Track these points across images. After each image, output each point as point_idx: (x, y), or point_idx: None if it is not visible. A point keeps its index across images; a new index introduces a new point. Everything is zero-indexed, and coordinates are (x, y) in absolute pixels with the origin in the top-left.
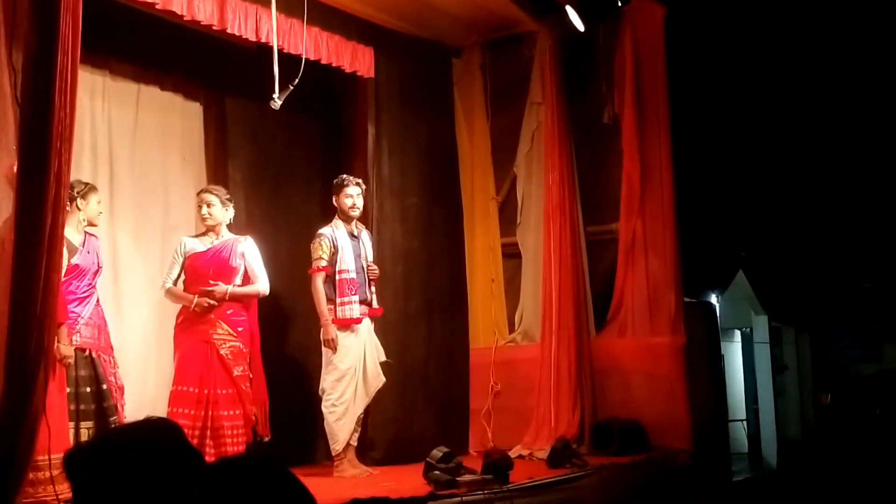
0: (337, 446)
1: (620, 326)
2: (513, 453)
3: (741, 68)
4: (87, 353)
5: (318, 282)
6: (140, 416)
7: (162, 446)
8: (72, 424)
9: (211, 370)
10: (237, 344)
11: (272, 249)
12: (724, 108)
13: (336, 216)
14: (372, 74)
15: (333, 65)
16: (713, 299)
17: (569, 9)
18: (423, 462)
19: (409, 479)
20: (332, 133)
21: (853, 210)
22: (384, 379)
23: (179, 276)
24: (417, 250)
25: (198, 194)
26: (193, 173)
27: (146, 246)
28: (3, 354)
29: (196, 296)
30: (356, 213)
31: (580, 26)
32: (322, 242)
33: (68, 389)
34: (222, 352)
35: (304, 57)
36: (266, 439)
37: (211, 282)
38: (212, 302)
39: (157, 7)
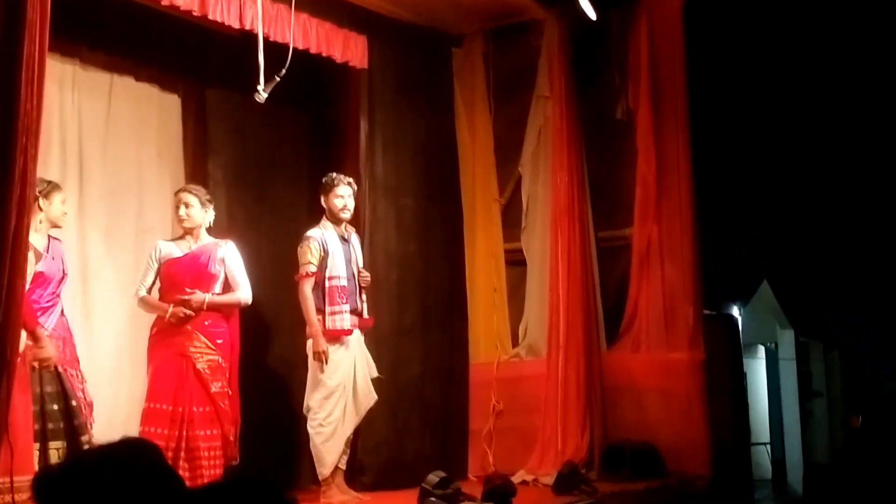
0: (324, 470)
1: (634, 341)
2: (516, 478)
3: (763, 58)
4: (54, 366)
5: (307, 289)
6: (111, 436)
7: (140, 469)
8: (37, 445)
9: (186, 386)
10: (215, 357)
11: (255, 254)
12: (746, 101)
13: (324, 217)
14: (365, 65)
15: (323, 54)
16: (735, 312)
17: None
18: (418, 488)
19: None
20: (322, 128)
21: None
22: (376, 396)
23: (154, 283)
24: (413, 256)
25: (175, 194)
26: (170, 171)
27: (118, 250)
28: None
29: (171, 305)
30: (347, 214)
31: (592, 13)
32: (311, 246)
33: (34, 408)
34: (199, 366)
35: (291, 46)
36: (234, 462)
37: (188, 290)
38: (188, 312)
39: None
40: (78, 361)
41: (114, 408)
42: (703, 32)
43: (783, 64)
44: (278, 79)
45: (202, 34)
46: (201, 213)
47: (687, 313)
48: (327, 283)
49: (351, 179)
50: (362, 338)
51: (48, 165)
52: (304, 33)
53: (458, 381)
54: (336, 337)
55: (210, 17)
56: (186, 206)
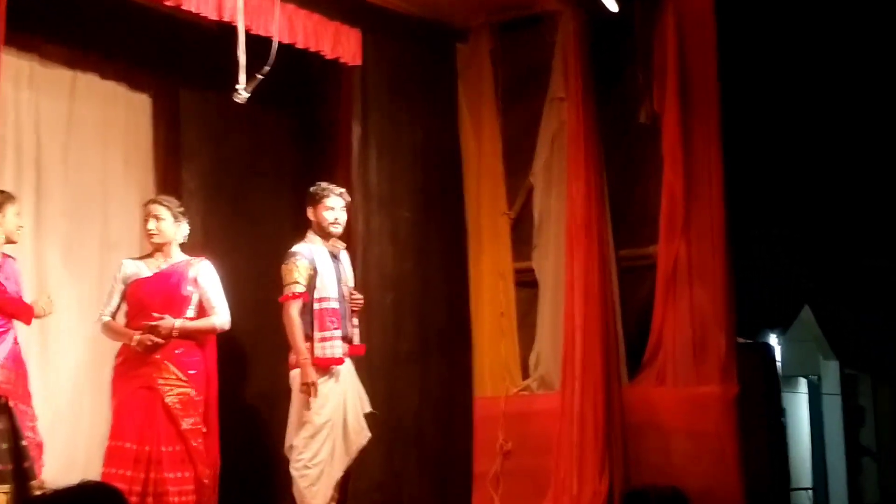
0: None
1: (658, 373)
2: None
3: (804, 59)
4: (4, 401)
5: (293, 312)
6: (69, 478)
7: None
8: None
9: (154, 422)
10: (187, 390)
11: (233, 274)
12: (785, 106)
13: (310, 231)
14: (359, 62)
15: (312, 49)
16: (772, 340)
17: None
18: None
19: None
20: (310, 132)
21: None
22: (369, 434)
23: (119, 306)
24: (410, 276)
25: (144, 206)
26: (139, 180)
27: (80, 269)
28: None
29: (138, 332)
30: (338, 229)
31: (613, 5)
32: (298, 263)
33: None
34: (168, 400)
35: (275, 40)
36: None
37: (155, 315)
38: (157, 339)
39: None
40: (30, 397)
41: (73, 447)
42: (738, 26)
43: (819, 62)
44: (261, 77)
45: (176, 27)
46: (173, 227)
47: (718, 342)
48: (316, 306)
49: (343, 190)
50: (353, 368)
51: (1, 173)
52: (289, 26)
53: (461, 417)
54: (326, 367)
55: (184, 7)
56: (156, 219)
